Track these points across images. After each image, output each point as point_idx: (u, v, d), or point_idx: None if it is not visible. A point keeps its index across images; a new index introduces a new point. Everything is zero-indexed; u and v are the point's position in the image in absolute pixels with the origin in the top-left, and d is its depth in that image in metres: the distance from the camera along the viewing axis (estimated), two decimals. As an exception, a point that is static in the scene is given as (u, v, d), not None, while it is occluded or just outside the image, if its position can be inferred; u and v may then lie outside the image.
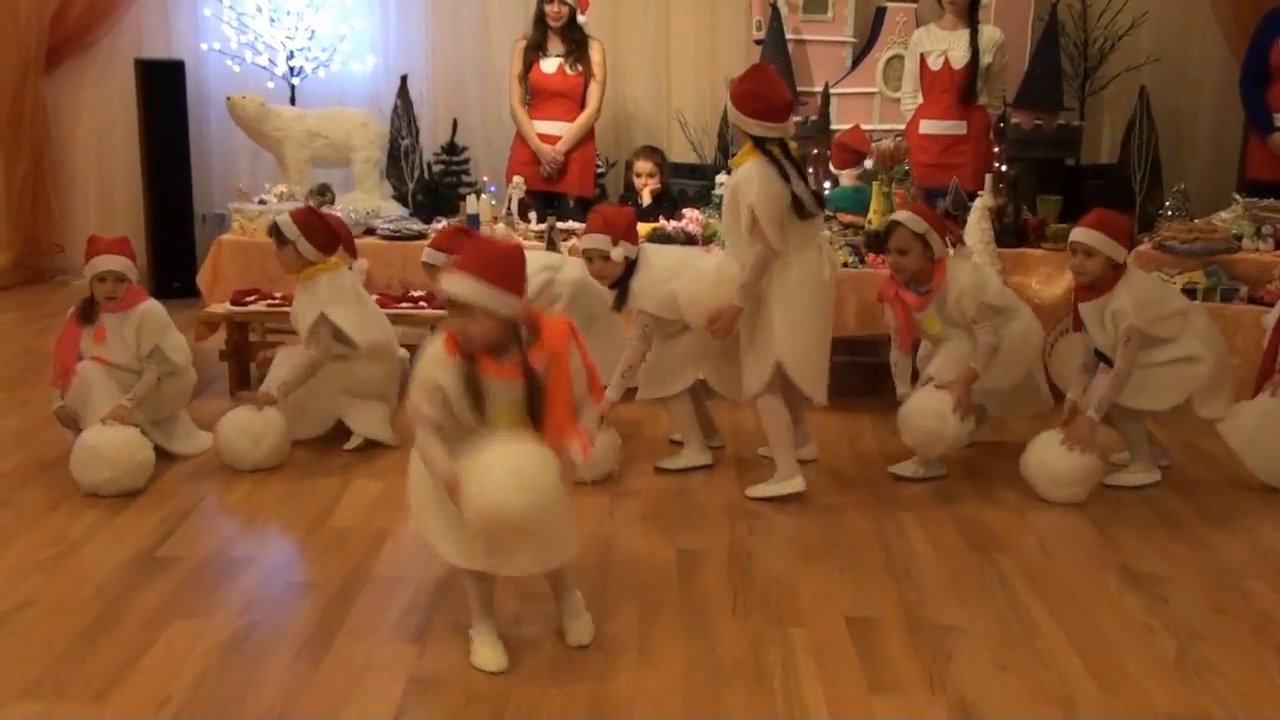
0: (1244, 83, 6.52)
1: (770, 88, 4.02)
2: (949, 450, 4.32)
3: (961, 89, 6.14)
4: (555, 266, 4.60)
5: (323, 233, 4.48)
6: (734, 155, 4.25)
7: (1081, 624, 3.28)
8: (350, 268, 4.68)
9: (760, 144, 4.01)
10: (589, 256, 4.27)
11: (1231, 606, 3.41)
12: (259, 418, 4.34)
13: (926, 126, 6.23)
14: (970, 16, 6.15)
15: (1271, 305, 4.93)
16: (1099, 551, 3.80)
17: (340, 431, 4.63)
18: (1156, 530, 3.98)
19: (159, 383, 4.36)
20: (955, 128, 6.20)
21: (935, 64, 6.21)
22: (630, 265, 4.26)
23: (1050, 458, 4.19)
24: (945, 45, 6.19)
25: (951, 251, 4.37)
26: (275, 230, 4.49)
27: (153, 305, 4.42)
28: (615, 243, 4.21)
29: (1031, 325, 4.51)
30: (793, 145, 4.17)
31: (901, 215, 4.35)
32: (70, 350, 4.33)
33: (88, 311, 4.35)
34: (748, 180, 3.99)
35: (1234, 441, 4.36)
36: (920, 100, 6.33)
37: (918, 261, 4.30)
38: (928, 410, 4.25)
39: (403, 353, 4.70)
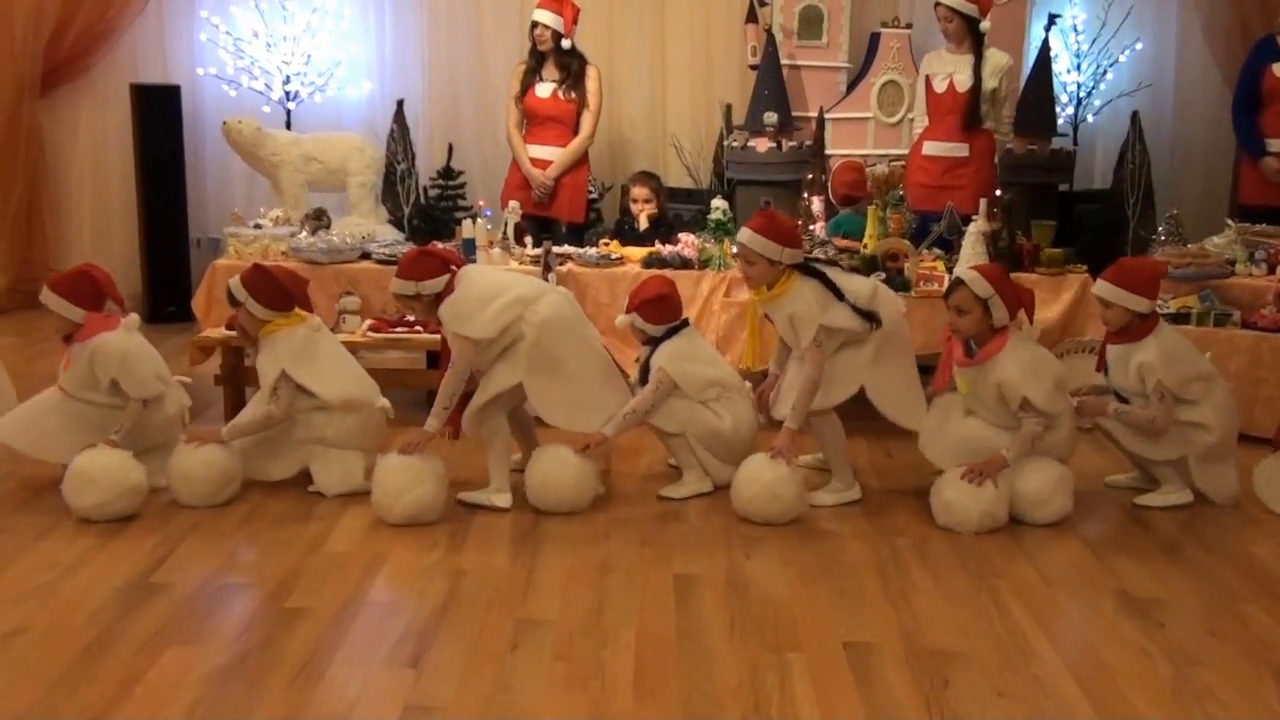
0: (1235, 108, 6.57)
1: (781, 219, 4.28)
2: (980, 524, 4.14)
3: (965, 112, 6.18)
4: (529, 301, 4.24)
5: (273, 292, 4.35)
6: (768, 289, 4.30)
7: (1079, 649, 3.28)
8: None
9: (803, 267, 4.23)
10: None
11: (1228, 631, 3.41)
12: (200, 455, 4.26)
13: (929, 148, 6.29)
14: (974, 42, 6.19)
15: (1265, 330, 4.95)
16: (1095, 577, 3.79)
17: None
18: (1153, 555, 3.98)
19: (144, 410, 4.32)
20: (957, 150, 6.23)
21: (940, 86, 6.26)
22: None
23: (1017, 484, 4.16)
24: (951, 68, 6.24)
25: (1021, 329, 4.23)
26: (229, 293, 4.40)
27: (106, 340, 4.26)
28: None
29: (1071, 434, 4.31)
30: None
31: (968, 275, 4.22)
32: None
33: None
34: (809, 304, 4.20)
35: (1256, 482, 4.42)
36: (926, 122, 6.38)
37: (975, 326, 4.18)
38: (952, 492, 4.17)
39: (384, 402, 4.48)
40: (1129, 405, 4.34)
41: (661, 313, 4.46)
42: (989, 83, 6.19)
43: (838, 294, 4.20)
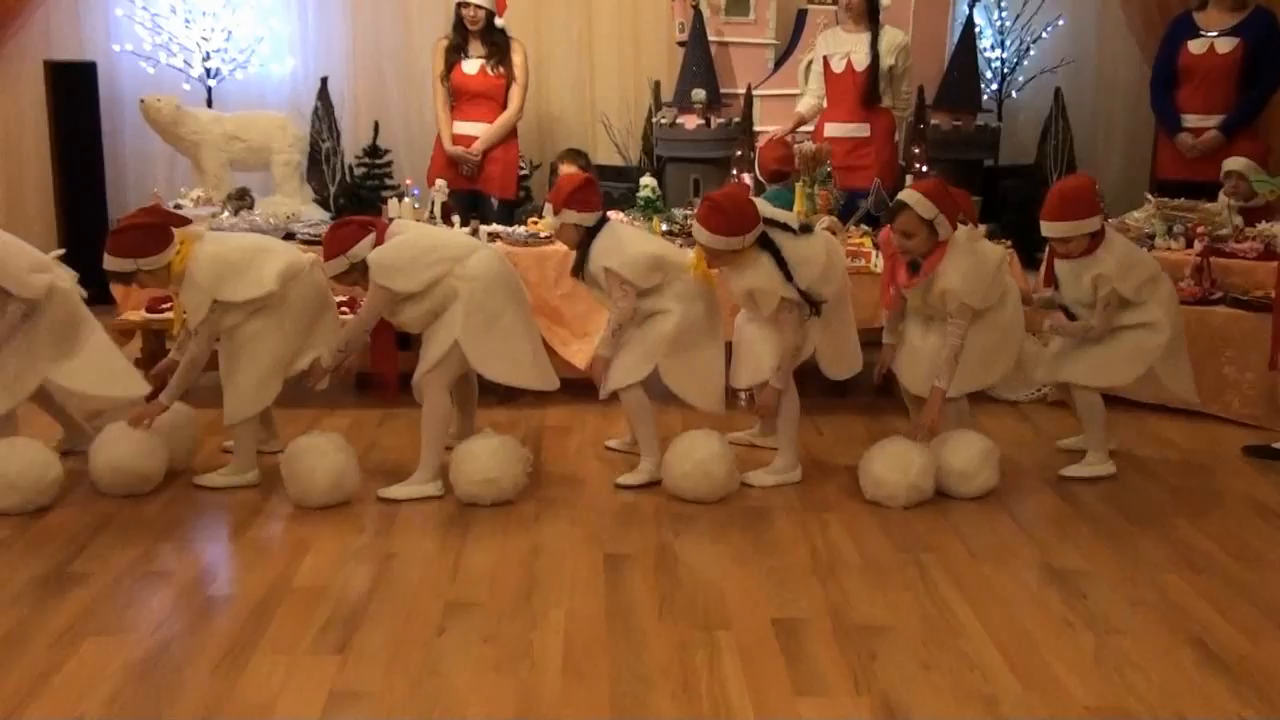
0: (1153, 85, 6.66)
1: (731, 210, 4.14)
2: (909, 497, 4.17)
3: (864, 91, 6.18)
4: (458, 258, 4.15)
5: (147, 240, 4.03)
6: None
7: (1004, 622, 3.32)
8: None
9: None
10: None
11: (1147, 600, 3.47)
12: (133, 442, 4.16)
13: (831, 129, 6.27)
14: (871, 20, 6.19)
15: (1184, 304, 5.03)
16: (1021, 549, 3.84)
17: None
18: (1077, 526, 4.04)
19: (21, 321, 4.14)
20: (859, 130, 6.24)
21: (838, 66, 6.24)
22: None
23: (945, 458, 4.22)
24: (848, 48, 6.22)
25: (960, 231, 4.24)
26: (115, 275, 4.15)
27: None
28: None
29: (1018, 309, 4.42)
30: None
31: (910, 197, 4.18)
32: None
33: None
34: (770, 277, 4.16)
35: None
36: (822, 103, 6.34)
37: (923, 245, 4.20)
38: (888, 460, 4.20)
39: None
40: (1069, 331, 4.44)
41: (590, 197, 4.32)
42: (885, 60, 6.19)
43: (788, 275, 4.17)
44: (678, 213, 5.86)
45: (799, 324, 4.21)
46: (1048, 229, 4.36)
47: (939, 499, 4.21)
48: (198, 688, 2.89)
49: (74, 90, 7.15)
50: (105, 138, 7.32)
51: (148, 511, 4.05)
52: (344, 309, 5.22)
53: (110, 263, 4.06)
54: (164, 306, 5.22)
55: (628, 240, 4.30)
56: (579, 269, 4.34)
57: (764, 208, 4.24)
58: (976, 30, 7.02)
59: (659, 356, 4.24)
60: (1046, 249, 4.54)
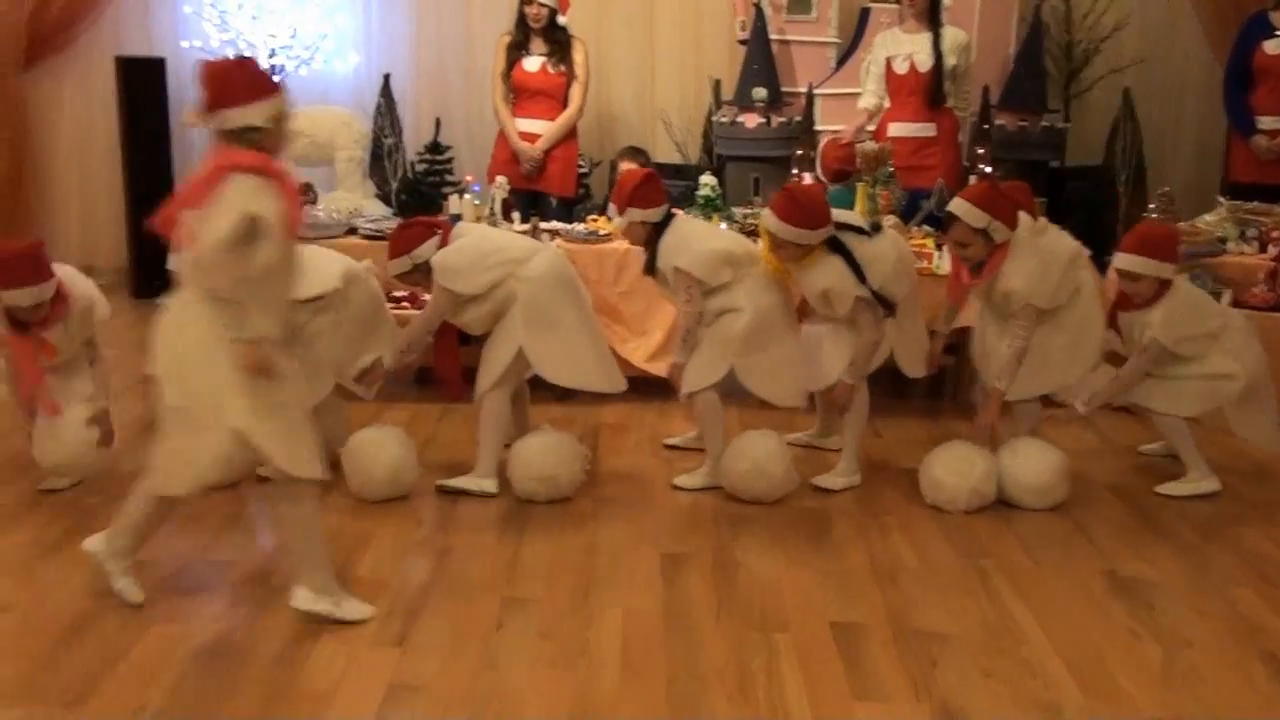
0: (1227, 85, 6.53)
1: (805, 201, 4.10)
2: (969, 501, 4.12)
3: (929, 92, 6.12)
4: (520, 260, 4.14)
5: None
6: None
7: (1067, 630, 3.27)
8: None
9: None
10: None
11: (1216, 612, 3.41)
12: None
13: (895, 129, 6.20)
14: (932, 19, 6.12)
15: (1257, 309, 4.93)
16: (1085, 557, 3.79)
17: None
18: (1142, 535, 3.97)
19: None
20: (924, 130, 6.18)
21: (901, 68, 6.17)
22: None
23: (1017, 472, 4.15)
24: (910, 49, 6.15)
25: (1022, 227, 4.16)
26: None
27: (83, 297, 4.12)
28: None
29: (1093, 307, 4.30)
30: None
31: (959, 208, 4.12)
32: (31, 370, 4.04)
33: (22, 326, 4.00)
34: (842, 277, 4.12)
35: None
36: (885, 103, 6.29)
37: (981, 252, 4.16)
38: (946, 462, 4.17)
39: None
40: (1103, 387, 4.33)
41: (653, 193, 4.26)
42: (949, 60, 6.12)
43: (860, 277, 4.14)
44: (737, 212, 5.83)
45: (876, 322, 4.18)
46: (1121, 260, 4.26)
47: (1000, 505, 4.16)
48: (260, 677, 2.92)
49: (143, 86, 7.25)
50: (174, 131, 7.42)
51: (212, 502, 4.08)
52: (404, 305, 5.26)
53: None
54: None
55: (695, 236, 4.28)
56: (651, 267, 4.32)
57: (835, 213, 4.21)
58: (1044, 29, 6.92)
59: (733, 357, 4.22)
60: (1115, 293, 4.45)
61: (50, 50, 7.53)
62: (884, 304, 4.17)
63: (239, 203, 2.88)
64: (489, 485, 4.19)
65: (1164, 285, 4.26)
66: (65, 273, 4.12)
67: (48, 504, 4.01)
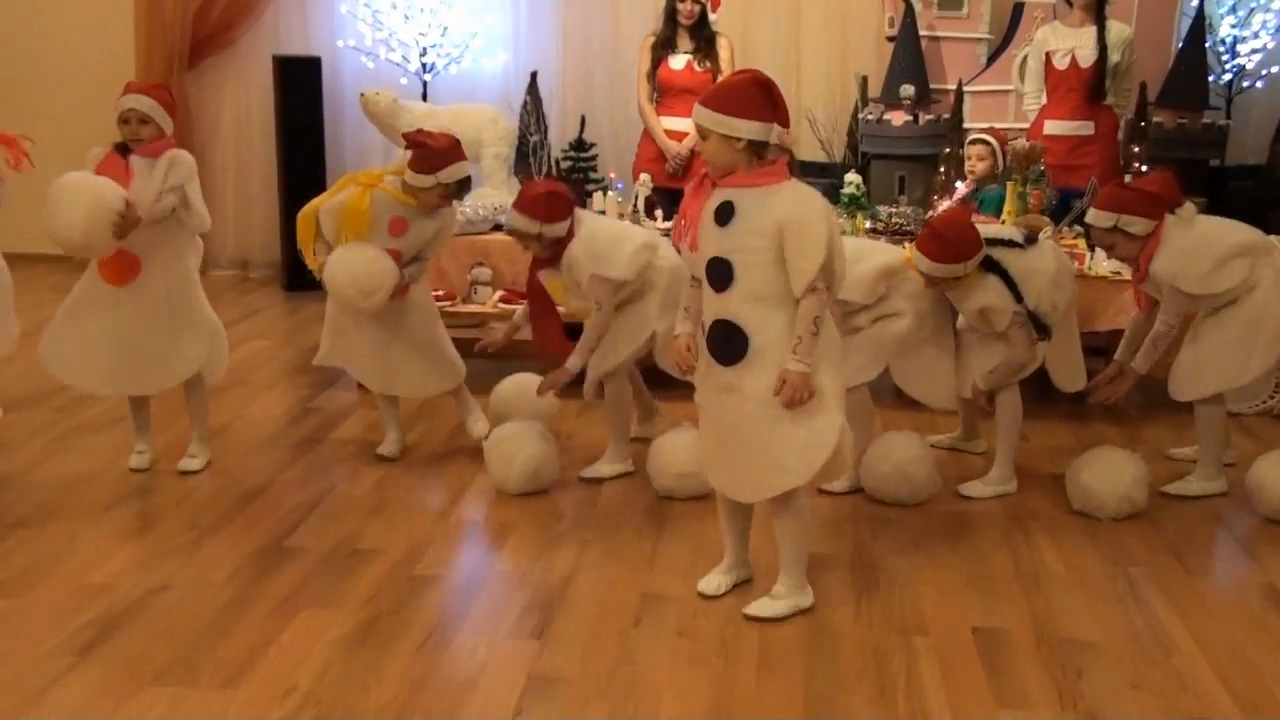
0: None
1: (952, 236, 4.03)
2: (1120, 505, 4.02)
3: (1089, 88, 5.96)
4: (653, 245, 4.22)
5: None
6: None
7: (1221, 642, 3.16)
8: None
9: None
10: None
11: (1384, 631, 3.25)
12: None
13: (1052, 127, 6.05)
14: (1098, 13, 5.96)
15: None
16: (1241, 567, 3.66)
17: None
18: (1303, 548, 3.82)
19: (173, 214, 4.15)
20: (1083, 128, 6.01)
21: (1061, 63, 6.02)
22: None
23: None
24: (1072, 43, 6.00)
25: (1171, 216, 4.08)
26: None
27: (184, 152, 4.19)
28: None
29: (1270, 305, 4.11)
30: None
31: (1090, 218, 4.17)
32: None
33: (123, 149, 4.13)
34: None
35: None
36: (1044, 100, 6.14)
37: (1128, 248, 4.12)
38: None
39: None
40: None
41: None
42: (1113, 56, 5.94)
43: (1017, 297, 4.06)
44: (882, 210, 5.76)
45: (1029, 342, 4.10)
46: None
47: (1150, 508, 4.03)
48: (403, 664, 2.99)
49: (300, 84, 7.49)
50: (327, 129, 7.65)
51: (358, 491, 4.20)
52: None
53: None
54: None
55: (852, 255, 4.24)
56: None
57: (985, 229, 4.15)
58: (1206, 23, 6.68)
59: (889, 358, 4.19)
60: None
61: (213, 50, 7.83)
62: (1039, 327, 4.09)
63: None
64: (626, 466, 4.32)
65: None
66: None
67: (203, 489, 4.17)
